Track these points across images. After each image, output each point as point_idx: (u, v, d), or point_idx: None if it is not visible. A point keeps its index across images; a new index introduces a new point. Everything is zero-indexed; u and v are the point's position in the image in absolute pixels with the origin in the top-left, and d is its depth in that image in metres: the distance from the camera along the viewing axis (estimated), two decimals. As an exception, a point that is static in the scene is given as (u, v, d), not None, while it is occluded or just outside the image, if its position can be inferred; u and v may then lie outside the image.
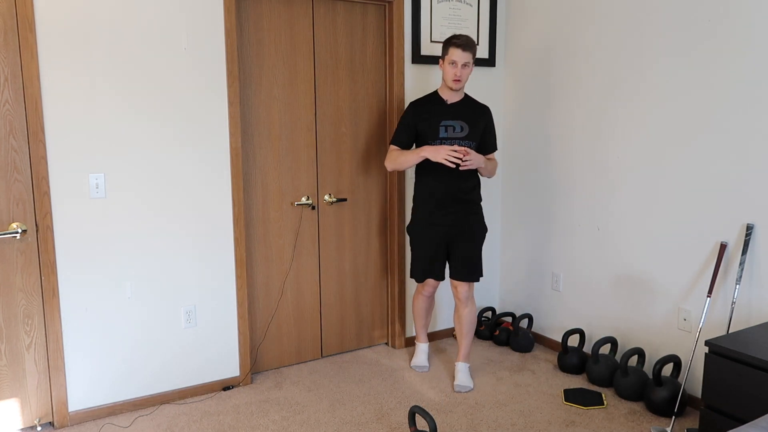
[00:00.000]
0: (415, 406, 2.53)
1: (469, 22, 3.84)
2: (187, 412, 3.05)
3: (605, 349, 3.55)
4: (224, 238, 3.21)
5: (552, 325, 3.87)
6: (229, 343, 3.30)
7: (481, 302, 4.17)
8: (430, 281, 3.39)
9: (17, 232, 2.70)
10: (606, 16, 3.34)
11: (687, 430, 2.79)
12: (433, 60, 3.72)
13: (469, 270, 3.27)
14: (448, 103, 3.22)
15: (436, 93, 3.26)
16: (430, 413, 2.90)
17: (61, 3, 2.70)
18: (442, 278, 3.36)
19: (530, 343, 3.81)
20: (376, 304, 3.86)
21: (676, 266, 3.10)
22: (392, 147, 3.28)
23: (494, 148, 3.34)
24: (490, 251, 4.14)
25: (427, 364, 3.57)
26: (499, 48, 4.01)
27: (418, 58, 3.67)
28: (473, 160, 3.06)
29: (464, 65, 3.10)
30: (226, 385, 3.31)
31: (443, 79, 3.18)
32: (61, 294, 2.84)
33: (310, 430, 2.89)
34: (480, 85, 3.94)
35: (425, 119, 3.19)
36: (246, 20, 3.22)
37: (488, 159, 3.29)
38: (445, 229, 3.25)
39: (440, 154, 3.04)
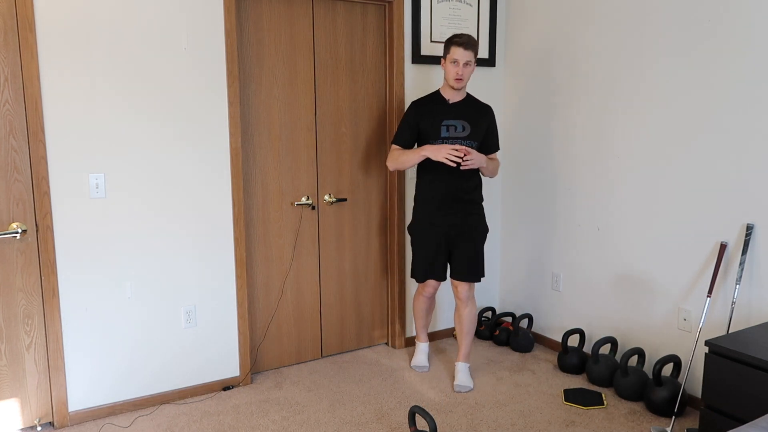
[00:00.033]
0: (415, 406, 2.53)
1: (469, 22, 3.84)
2: (187, 412, 3.05)
3: (605, 349, 3.55)
4: (224, 238, 3.21)
5: (552, 325, 3.87)
6: (229, 343, 3.30)
7: (481, 302, 4.18)
8: (431, 282, 3.39)
9: (17, 232, 2.70)
10: (606, 17, 3.35)
11: (687, 430, 2.79)
12: (433, 60, 3.72)
13: (470, 270, 3.26)
14: (450, 102, 3.22)
15: (438, 92, 3.26)
16: (430, 413, 2.90)
17: (61, 3, 2.70)
18: (443, 278, 3.36)
19: (530, 343, 3.81)
20: (376, 304, 3.86)
21: (676, 266, 3.10)
22: (394, 146, 3.28)
23: (496, 148, 3.34)
24: (490, 251, 4.14)
25: (427, 364, 3.57)
26: (499, 48, 4.01)
27: (418, 58, 3.67)
28: (474, 159, 3.06)
29: (466, 64, 3.10)
30: (226, 385, 3.31)
31: (445, 78, 3.18)
32: (61, 294, 2.85)
33: (310, 430, 2.89)
34: (480, 85, 3.94)
35: (427, 119, 3.19)
36: (246, 20, 3.22)
37: (490, 159, 3.28)
38: (446, 229, 3.25)
39: (441, 153, 3.04)
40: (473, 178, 3.25)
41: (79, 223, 2.85)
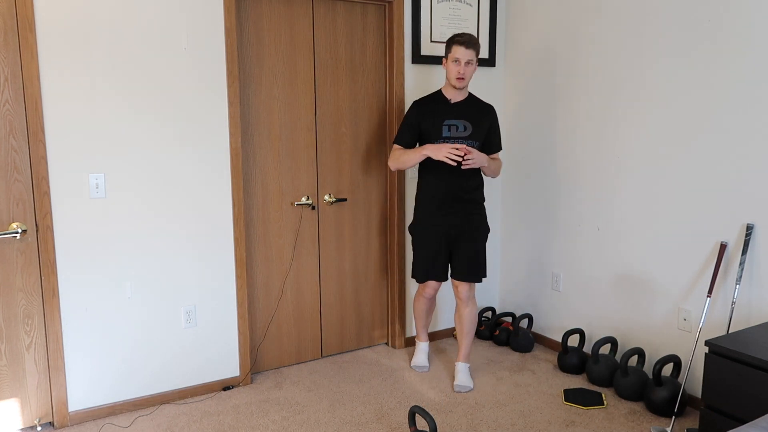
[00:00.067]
0: (415, 406, 2.53)
1: (469, 22, 3.84)
2: (187, 412, 3.05)
3: (605, 349, 3.55)
4: (224, 238, 3.21)
5: (552, 325, 3.87)
6: (229, 343, 3.30)
7: (481, 302, 4.17)
8: (431, 283, 3.38)
9: (17, 232, 2.70)
10: (606, 16, 3.35)
11: (687, 430, 2.79)
12: (433, 60, 3.72)
13: (470, 270, 3.26)
14: (452, 102, 3.21)
15: (439, 92, 3.26)
16: (430, 413, 2.90)
17: (61, 3, 2.70)
18: (444, 279, 3.35)
19: (530, 343, 3.81)
20: (376, 304, 3.86)
21: (676, 266, 3.10)
22: (395, 146, 3.28)
23: (498, 148, 3.33)
24: (490, 251, 4.14)
25: (427, 364, 3.56)
26: (499, 48, 4.01)
27: (418, 58, 3.67)
28: (475, 158, 3.05)
29: (467, 63, 3.09)
30: (226, 385, 3.31)
31: (447, 77, 3.18)
32: (61, 294, 2.85)
33: (310, 430, 2.89)
34: (480, 85, 3.94)
35: (428, 118, 3.19)
36: (246, 20, 3.22)
37: (492, 159, 3.27)
38: (447, 229, 3.24)
39: (441, 152, 3.04)
40: (475, 177, 3.24)
41: (79, 223, 2.85)
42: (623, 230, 3.36)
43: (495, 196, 4.13)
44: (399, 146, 3.26)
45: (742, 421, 2.25)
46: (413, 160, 3.17)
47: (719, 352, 2.31)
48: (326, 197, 3.58)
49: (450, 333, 4.08)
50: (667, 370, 3.21)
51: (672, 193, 3.09)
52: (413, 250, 3.37)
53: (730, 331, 2.86)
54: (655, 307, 3.22)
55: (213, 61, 3.07)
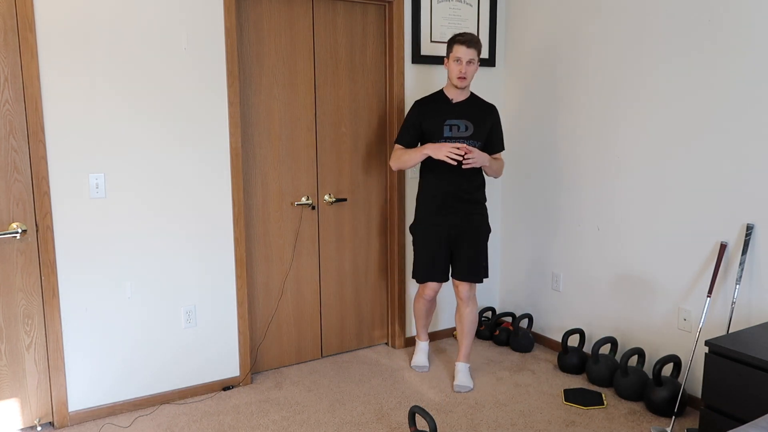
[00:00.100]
0: (415, 406, 2.53)
1: (469, 22, 3.84)
2: (187, 412, 3.05)
3: (605, 349, 3.55)
4: (224, 238, 3.21)
5: (552, 325, 3.87)
6: (229, 343, 3.30)
7: (481, 302, 4.17)
8: (431, 285, 3.36)
9: (17, 232, 2.70)
10: (606, 17, 3.35)
11: (687, 430, 2.79)
12: (433, 60, 3.72)
13: (470, 270, 3.26)
14: (454, 102, 3.21)
15: (441, 92, 3.25)
16: (430, 413, 2.90)
17: (61, 3, 2.70)
18: (445, 280, 3.34)
19: (530, 343, 3.81)
20: (376, 304, 3.86)
21: (676, 266, 3.10)
22: (397, 146, 3.27)
23: (501, 148, 3.32)
24: (491, 251, 4.12)
25: (427, 364, 3.56)
26: (499, 48, 4.01)
27: (418, 58, 3.67)
28: (476, 158, 3.05)
29: (469, 62, 3.09)
30: (226, 385, 3.31)
31: (448, 77, 3.17)
32: (61, 294, 2.85)
33: (310, 430, 2.89)
34: (480, 85, 3.94)
35: (430, 118, 3.19)
36: (246, 20, 3.22)
37: (494, 159, 3.27)
38: (448, 229, 3.24)
39: (442, 151, 3.04)
40: (476, 177, 3.24)
41: (79, 223, 2.85)
42: (623, 230, 3.36)
43: (495, 196, 4.13)
44: (400, 146, 3.26)
45: (742, 421, 2.25)
46: (414, 160, 3.16)
47: (719, 352, 2.31)
48: (326, 197, 3.58)
49: (450, 333, 4.08)
50: (667, 370, 3.21)
51: (672, 193, 3.09)
52: (414, 250, 3.36)
53: (730, 331, 2.86)
54: (655, 307, 3.22)
55: (213, 61, 3.07)
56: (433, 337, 3.98)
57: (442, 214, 3.23)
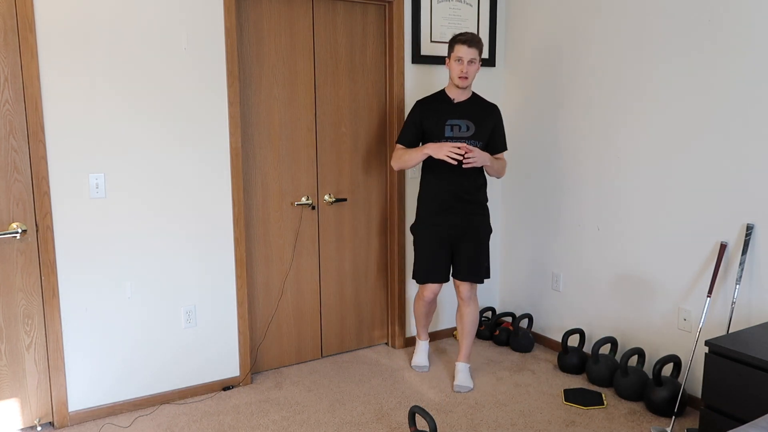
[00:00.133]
0: (415, 406, 2.53)
1: (469, 22, 3.84)
2: (187, 412, 3.05)
3: (605, 349, 3.55)
4: (224, 238, 3.21)
5: (552, 325, 3.87)
6: (229, 343, 3.30)
7: (482, 302, 4.17)
8: (431, 286, 3.34)
9: (17, 232, 2.70)
10: (606, 17, 3.35)
11: (687, 430, 2.79)
12: (433, 60, 3.72)
13: (470, 270, 3.26)
14: (455, 101, 3.20)
15: (443, 91, 3.25)
16: (430, 413, 2.90)
17: (61, 3, 2.70)
18: (445, 280, 3.33)
19: (530, 343, 3.81)
20: (376, 304, 3.86)
21: (676, 266, 3.10)
22: (398, 146, 3.27)
23: (503, 148, 3.31)
24: (491, 251, 4.13)
25: (427, 364, 3.56)
26: (500, 48, 4.01)
27: (418, 58, 3.67)
28: (476, 157, 3.04)
29: (470, 62, 3.09)
30: (226, 385, 3.31)
31: (450, 77, 3.17)
32: (61, 294, 2.85)
33: (310, 430, 2.89)
34: (480, 85, 3.94)
35: (431, 118, 3.18)
36: (246, 20, 3.22)
37: (496, 158, 3.26)
38: (448, 229, 3.23)
39: (442, 150, 3.03)
40: (478, 177, 3.23)
41: (79, 223, 2.85)
42: (623, 230, 3.35)
43: (495, 195, 4.13)
44: (401, 146, 3.26)
45: (742, 421, 2.25)
46: (415, 160, 3.16)
47: (719, 352, 2.31)
48: (326, 197, 3.58)
49: (450, 333, 4.08)
50: (667, 370, 3.21)
51: (672, 193, 3.09)
52: (414, 250, 3.36)
53: (730, 331, 2.86)
54: (655, 307, 3.22)
55: (213, 61, 3.07)
56: (434, 337, 3.98)
57: (442, 214, 3.22)
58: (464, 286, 3.29)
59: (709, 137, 2.91)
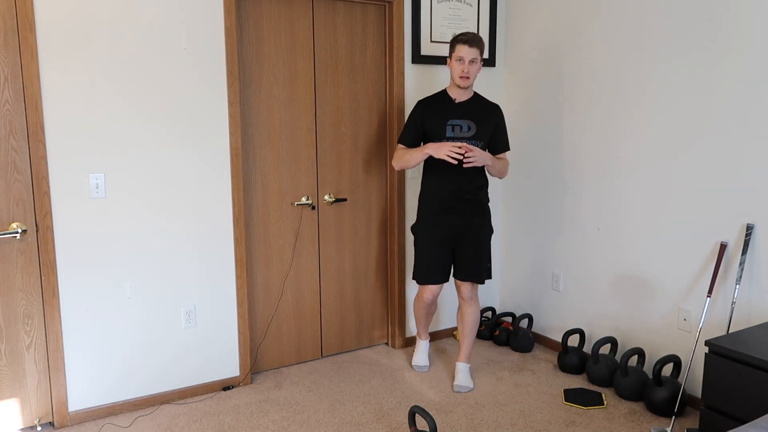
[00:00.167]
0: (415, 406, 2.53)
1: (469, 22, 3.84)
2: (187, 412, 3.05)
3: (605, 349, 3.55)
4: (224, 238, 3.21)
5: (552, 325, 3.87)
6: (229, 343, 3.30)
7: (482, 302, 4.17)
8: (430, 287, 3.32)
9: (17, 232, 2.70)
10: (606, 17, 3.34)
11: (687, 430, 2.79)
12: (433, 60, 3.72)
13: (471, 270, 3.25)
14: (456, 101, 3.20)
15: (444, 92, 3.24)
16: (430, 413, 2.90)
17: (61, 3, 2.70)
18: (445, 280, 3.32)
19: (530, 343, 3.81)
20: (376, 304, 3.86)
21: (676, 266, 3.10)
22: (399, 146, 3.27)
23: (505, 148, 3.30)
24: (491, 251, 4.13)
25: (428, 364, 3.56)
26: (500, 48, 4.01)
27: (418, 58, 3.67)
28: (477, 157, 3.03)
29: (471, 61, 3.08)
30: (226, 385, 3.31)
31: (451, 77, 3.17)
32: (61, 294, 2.85)
33: (310, 430, 2.89)
34: (480, 85, 3.94)
35: (432, 118, 3.18)
36: (246, 20, 3.22)
37: (498, 158, 3.26)
38: (449, 229, 3.23)
39: (442, 150, 3.03)
40: (479, 177, 3.23)
41: (79, 223, 2.85)
42: (623, 230, 3.35)
43: (495, 195, 4.13)
44: (403, 146, 3.25)
45: (742, 421, 2.25)
46: (416, 160, 3.16)
47: (719, 352, 2.31)
48: (326, 197, 3.58)
49: (450, 333, 4.08)
50: (667, 370, 3.21)
51: (672, 193, 3.09)
52: (415, 250, 3.35)
53: (730, 331, 2.86)
54: (655, 307, 3.22)
55: (213, 61, 3.07)
56: (434, 337, 3.98)
57: (442, 214, 3.22)
58: (465, 287, 3.29)
59: (709, 137, 2.91)
